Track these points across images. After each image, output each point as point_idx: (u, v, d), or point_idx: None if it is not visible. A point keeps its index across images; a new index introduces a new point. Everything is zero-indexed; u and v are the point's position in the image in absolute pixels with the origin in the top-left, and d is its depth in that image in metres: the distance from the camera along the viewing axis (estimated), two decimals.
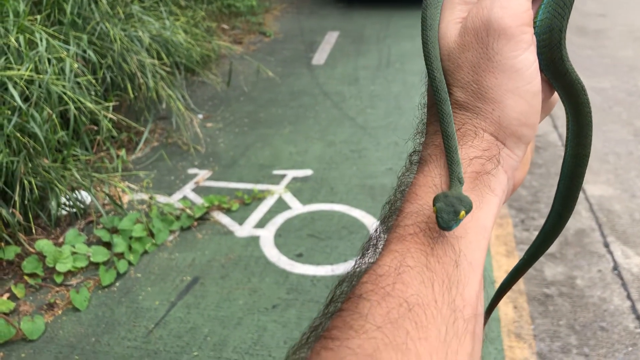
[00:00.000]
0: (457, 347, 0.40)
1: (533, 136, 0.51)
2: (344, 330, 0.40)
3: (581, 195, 3.91)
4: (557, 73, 0.51)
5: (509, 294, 3.03)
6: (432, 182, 0.48)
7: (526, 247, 2.96)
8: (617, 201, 3.83)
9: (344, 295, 0.45)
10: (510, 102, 0.48)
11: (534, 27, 0.51)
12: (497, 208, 0.48)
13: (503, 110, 0.49)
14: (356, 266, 0.49)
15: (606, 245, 3.40)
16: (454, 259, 0.44)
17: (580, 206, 3.79)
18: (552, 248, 3.38)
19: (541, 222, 3.63)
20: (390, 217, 0.50)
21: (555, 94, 0.55)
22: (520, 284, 3.10)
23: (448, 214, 0.43)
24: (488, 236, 0.47)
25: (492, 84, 0.49)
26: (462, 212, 0.43)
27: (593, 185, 4.02)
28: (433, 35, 0.53)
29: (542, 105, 0.53)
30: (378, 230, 0.51)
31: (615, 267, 3.22)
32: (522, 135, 0.50)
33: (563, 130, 4.85)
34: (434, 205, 0.44)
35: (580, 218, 3.66)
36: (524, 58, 0.48)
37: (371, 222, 3.59)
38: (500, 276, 3.14)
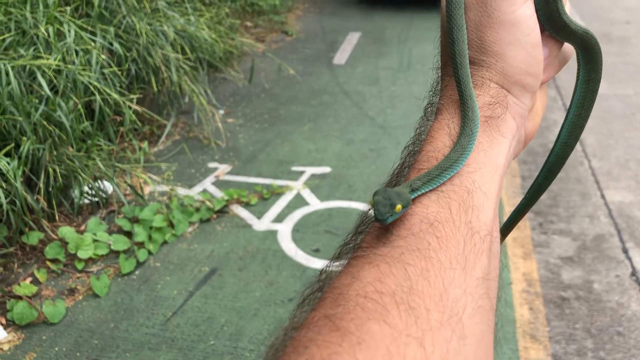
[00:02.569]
0: (475, 259, 0.44)
1: (537, 85, 0.55)
2: (372, 242, 0.45)
3: (600, 200, 3.89)
4: (556, 27, 0.55)
5: (525, 295, 3.03)
6: (446, 124, 0.52)
7: (544, 250, 2.95)
8: (637, 207, 3.81)
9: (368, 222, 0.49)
10: (511, 53, 0.53)
11: None
12: (508, 149, 0.52)
13: (506, 61, 0.53)
14: None
15: (625, 250, 3.38)
16: (468, 187, 0.48)
17: (600, 211, 3.77)
18: (570, 252, 3.37)
19: (560, 226, 3.62)
20: (409, 157, 0.54)
21: (566, 47, 0.58)
22: (536, 286, 3.09)
23: (384, 206, 0.44)
24: (501, 172, 0.51)
25: (494, 38, 0.53)
26: (399, 206, 0.45)
27: (613, 191, 4.00)
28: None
29: (552, 58, 0.57)
30: (399, 168, 0.55)
31: (634, 273, 3.20)
32: (526, 84, 0.54)
33: (583, 135, 4.83)
34: (372, 198, 0.47)
35: (599, 223, 3.64)
36: (521, 12, 0.52)
37: None
38: (517, 278, 3.14)
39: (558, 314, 2.92)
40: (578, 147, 4.65)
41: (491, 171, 0.49)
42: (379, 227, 0.46)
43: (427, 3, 8.98)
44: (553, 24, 0.54)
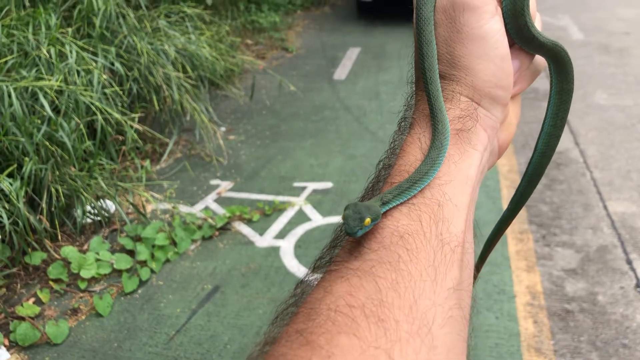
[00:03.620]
0: (445, 270, 0.45)
1: (508, 97, 0.56)
2: (344, 256, 0.47)
3: (603, 211, 3.88)
4: (525, 39, 0.56)
5: (529, 308, 3.01)
6: (417, 138, 0.54)
7: (547, 263, 2.94)
8: (639, 218, 3.80)
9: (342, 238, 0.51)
10: (481, 67, 0.54)
11: (502, 2, 0.56)
12: (479, 161, 0.53)
13: (475, 75, 0.54)
14: None
15: (629, 262, 3.37)
16: (439, 200, 0.49)
17: (603, 223, 3.76)
18: (573, 264, 3.36)
19: (563, 238, 3.61)
20: (382, 172, 0.56)
21: (537, 59, 0.60)
22: (540, 299, 3.08)
23: (354, 220, 0.46)
24: (472, 184, 0.52)
25: (463, 53, 0.54)
26: (367, 220, 0.46)
27: (615, 202, 3.99)
28: (428, 11, 0.58)
29: (523, 70, 0.58)
30: (372, 184, 0.57)
31: (638, 284, 3.18)
32: (497, 96, 0.55)
33: (584, 147, 4.83)
34: (344, 212, 0.48)
35: (602, 235, 3.63)
36: (489, 27, 0.54)
37: None
38: (520, 291, 3.12)
39: (562, 327, 2.90)
40: (579, 158, 4.65)
41: (462, 183, 0.51)
42: (352, 241, 0.48)
43: None
44: (522, 37, 0.56)
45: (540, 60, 0.60)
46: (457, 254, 0.47)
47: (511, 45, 0.57)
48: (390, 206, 0.48)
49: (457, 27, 0.54)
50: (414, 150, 0.53)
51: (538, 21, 0.59)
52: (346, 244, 0.48)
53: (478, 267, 0.80)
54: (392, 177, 0.52)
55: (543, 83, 6.00)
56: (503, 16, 0.55)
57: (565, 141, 4.94)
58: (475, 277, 0.80)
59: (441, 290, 0.44)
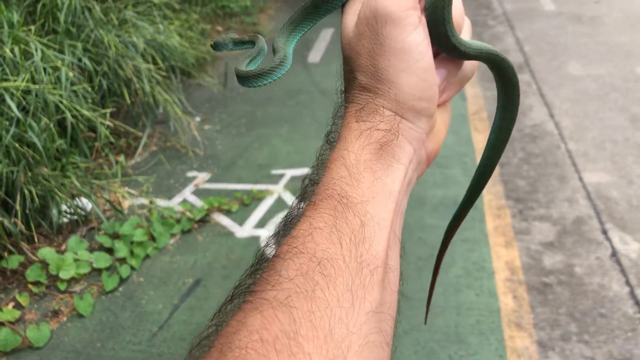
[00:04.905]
0: (364, 293, 0.45)
1: (433, 109, 0.56)
2: (261, 285, 0.46)
3: (578, 183, 3.93)
4: (448, 48, 0.56)
5: (508, 284, 3.05)
6: (341, 154, 0.53)
7: (525, 237, 2.97)
8: (614, 188, 3.85)
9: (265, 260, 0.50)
10: (403, 80, 0.54)
11: (425, 9, 0.55)
12: (404, 174, 0.53)
13: (398, 88, 0.54)
14: (278, 233, 0.55)
15: (604, 232, 3.42)
16: (361, 219, 0.49)
17: (578, 194, 3.80)
18: (551, 237, 3.40)
19: (540, 211, 3.65)
20: (308, 189, 0.55)
21: (466, 65, 0.59)
22: (519, 274, 3.12)
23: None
24: (395, 199, 0.52)
25: (386, 65, 0.54)
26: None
27: (590, 173, 4.04)
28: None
29: (451, 78, 0.58)
30: (297, 201, 0.56)
31: (614, 254, 3.23)
32: (421, 109, 0.55)
33: (559, 119, 4.87)
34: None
35: (578, 206, 3.68)
36: (412, 39, 0.53)
37: None
38: (499, 267, 3.16)
39: (541, 301, 2.95)
40: (554, 130, 4.68)
41: (385, 199, 0.51)
42: (270, 268, 0.47)
43: None
44: (444, 46, 0.55)
45: (468, 66, 0.60)
46: (377, 275, 0.46)
47: (438, 53, 0.56)
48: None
49: (379, 40, 0.54)
50: (338, 167, 0.52)
51: (467, 26, 0.58)
52: (265, 271, 0.47)
53: (436, 266, 0.80)
54: (317, 195, 0.51)
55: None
56: (427, 24, 0.55)
57: (540, 114, 4.97)
58: (432, 287, 0.81)
59: (359, 315, 0.44)
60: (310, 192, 0.54)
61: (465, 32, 0.58)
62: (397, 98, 0.54)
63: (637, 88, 5.38)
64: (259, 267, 0.50)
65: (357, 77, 0.56)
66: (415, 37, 0.53)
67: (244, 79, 0.64)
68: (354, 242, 0.47)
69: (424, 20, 0.55)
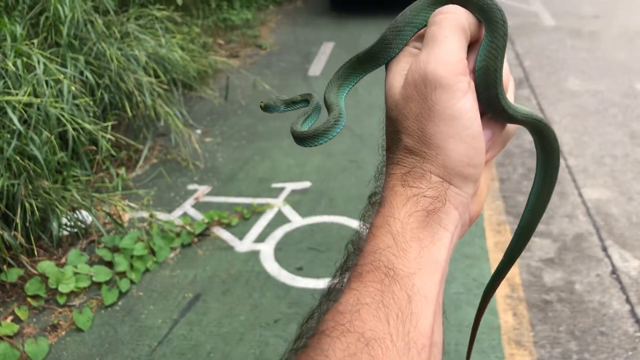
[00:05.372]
0: None
1: (479, 174, 0.55)
2: None
3: (578, 199, 3.94)
4: (496, 111, 0.56)
5: (508, 301, 3.05)
6: (386, 222, 0.52)
7: (525, 254, 2.96)
8: (614, 204, 3.85)
9: (310, 331, 0.49)
10: (452, 146, 0.53)
11: (475, 71, 0.55)
12: (450, 241, 0.53)
13: (446, 155, 0.53)
14: (322, 303, 0.53)
15: (604, 249, 3.42)
16: (408, 294, 0.48)
17: (578, 210, 3.81)
18: (551, 253, 3.40)
19: (540, 228, 3.64)
20: (352, 256, 0.54)
21: (509, 127, 0.59)
22: (519, 291, 3.12)
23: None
24: (442, 269, 0.51)
25: (434, 131, 0.53)
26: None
27: (590, 189, 4.04)
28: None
29: (495, 138, 0.58)
30: (341, 270, 0.55)
31: (614, 271, 3.23)
32: (468, 175, 0.54)
33: (559, 134, 4.88)
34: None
35: (578, 222, 3.68)
36: (461, 106, 0.52)
37: None
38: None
39: (542, 318, 2.94)
40: (512, 87, 4.68)
41: (432, 270, 0.50)
42: (317, 345, 0.46)
43: (399, 7, 9.05)
44: (494, 108, 0.55)
45: (512, 125, 0.60)
46: (424, 354, 0.46)
47: (483, 113, 0.56)
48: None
49: (428, 105, 0.53)
50: (384, 235, 0.51)
51: (511, 88, 0.58)
52: (311, 349, 0.47)
53: (473, 328, 0.81)
54: (363, 266, 0.50)
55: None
56: (475, 86, 0.54)
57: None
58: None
59: None
60: (354, 259, 0.53)
61: (510, 93, 0.58)
62: (445, 164, 0.53)
63: (636, 104, 5.41)
64: (304, 345, 0.49)
65: (402, 139, 0.55)
66: (464, 104, 0.53)
67: (301, 139, 0.65)
68: (401, 318, 0.47)
69: (472, 84, 0.54)
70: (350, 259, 0.54)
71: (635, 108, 5.32)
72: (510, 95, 0.57)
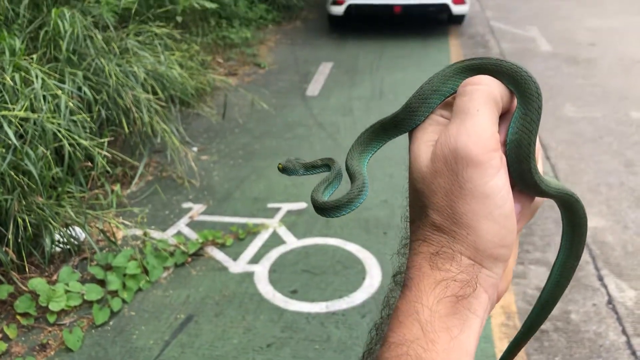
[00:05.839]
0: None
1: (510, 253, 0.52)
2: None
3: None
4: (527, 185, 0.53)
5: (504, 329, 3.02)
6: (414, 309, 0.49)
7: (521, 281, 2.92)
8: (610, 233, 3.85)
9: None
10: (484, 226, 0.50)
11: (506, 144, 0.52)
12: (479, 327, 0.50)
13: (478, 235, 0.50)
14: None
15: (600, 278, 3.41)
16: None
17: None
18: None
19: (536, 255, 3.64)
20: (376, 344, 0.52)
21: (537, 199, 0.57)
22: (515, 319, 3.09)
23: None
24: (471, 359, 0.48)
25: (465, 210, 0.50)
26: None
27: None
28: None
29: (524, 211, 0.55)
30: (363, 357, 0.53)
31: (610, 301, 3.22)
32: (499, 256, 0.51)
33: (555, 161, 4.90)
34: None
35: None
36: (494, 184, 0.50)
37: (365, 257, 3.58)
38: (495, 311, 3.13)
39: (537, 348, 2.91)
40: (550, 172, 4.70)
41: None
42: None
43: (399, 28, 9.14)
44: (525, 182, 0.53)
45: (537, 201, 0.57)
46: None
47: (512, 186, 0.53)
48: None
49: (459, 182, 0.50)
50: (411, 324, 0.48)
51: (540, 161, 0.56)
52: None
53: None
54: (385, 358, 0.48)
55: None
56: (508, 161, 0.52)
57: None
58: None
59: None
60: (378, 349, 0.50)
61: (539, 164, 0.55)
62: (476, 245, 0.50)
63: (632, 132, 5.44)
64: None
65: (429, 215, 0.52)
66: (497, 182, 0.50)
67: (323, 210, 0.62)
68: None
69: (504, 160, 0.51)
70: (375, 349, 0.52)
71: (630, 136, 5.35)
72: (539, 166, 0.55)
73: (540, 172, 0.53)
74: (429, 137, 0.54)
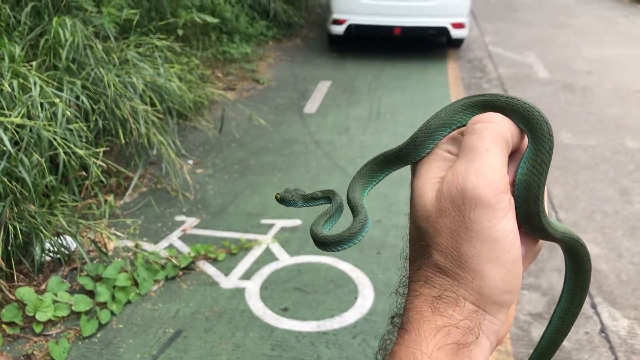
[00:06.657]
0: None
1: (515, 300, 0.50)
2: None
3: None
4: (534, 228, 0.52)
5: (496, 354, 2.99)
6: (412, 356, 0.47)
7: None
8: (604, 261, 3.84)
9: None
10: (490, 271, 0.48)
11: (514, 184, 0.51)
12: None
13: (483, 280, 0.48)
14: None
15: (594, 306, 3.39)
16: None
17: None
18: (540, 307, 3.37)
19: (529, 280, 3.62)
20: None
21: (540, 242, 0.55)
22: (507, 345, 3.07)
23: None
24: None
25: (471, 253, 0.48)
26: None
27: None
28: None
29: (528, 253, 0.53)
30: None
31: (603, 330, 3.20)
32: (504, 302, 0.49)
33: (550, 187, 4.90)
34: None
35: None
36: (502, 227, 0.48)
37: (357, 276, 3.56)
38: None
39: None
40: (545, 199, 4.70)
41: None
42: None
43: (396, 51, 9.19)
44: (532, 225, 0.52)
45: (541, 243, 0.56)
46: None
47: (518, 227, 0.51)
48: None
49: (466, 223, 0.48)
50: None
51: (545, 203, 0.54)
52: None
53: None
54: None
55: None
56: (516, 203, 0.50)
57: None
58: None
59: None
60: None
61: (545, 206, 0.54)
62: (481, 290, 0.48)
63: (627, 161, 5.46)
64: None
65: (433, 255, 0.50)
66: (506, 225, 0.48)
67: (324, 244, 0.61)
68: None
69: (512, 202, 0.50)
70: None
71: (625, 165, 5.37)
72: (545, 207, 0.53)
73: (547, 215, 0.52)
74: (434, 174, 0.52)
